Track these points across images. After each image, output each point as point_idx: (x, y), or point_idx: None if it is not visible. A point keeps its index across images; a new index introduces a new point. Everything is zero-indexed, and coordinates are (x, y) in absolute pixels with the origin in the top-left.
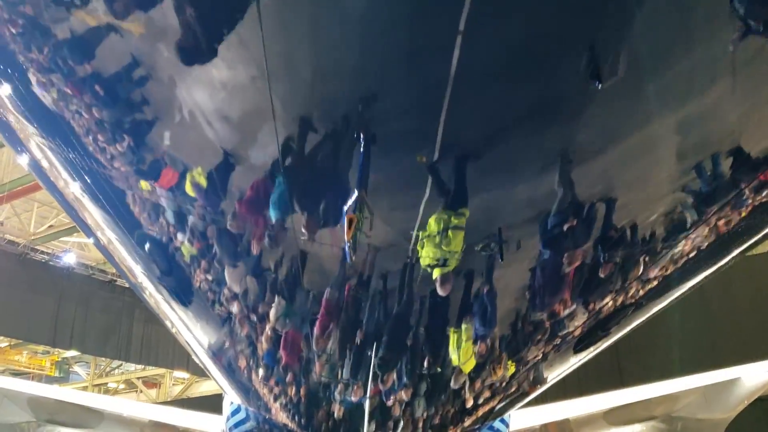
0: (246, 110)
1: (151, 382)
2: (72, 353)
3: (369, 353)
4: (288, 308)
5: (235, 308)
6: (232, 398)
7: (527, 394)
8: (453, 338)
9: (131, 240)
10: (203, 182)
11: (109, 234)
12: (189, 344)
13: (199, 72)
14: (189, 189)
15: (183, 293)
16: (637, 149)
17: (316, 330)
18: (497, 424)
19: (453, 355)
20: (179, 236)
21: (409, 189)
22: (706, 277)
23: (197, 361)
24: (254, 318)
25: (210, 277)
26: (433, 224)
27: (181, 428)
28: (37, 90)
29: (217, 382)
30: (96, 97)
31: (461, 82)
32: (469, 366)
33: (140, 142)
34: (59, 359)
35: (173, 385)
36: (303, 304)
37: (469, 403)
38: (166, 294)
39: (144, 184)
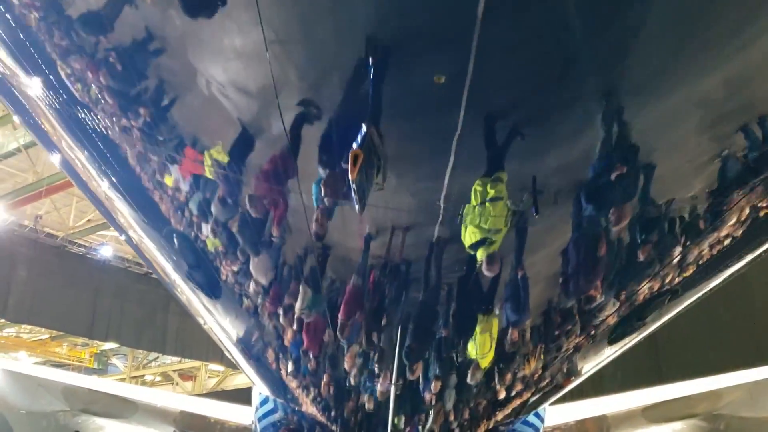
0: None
1: (186, 375)
2: (110, 345)
3: (395, 342)
4: (311, 296)
5: (258, 298)
6: (260, 389)
7: (561, 387)
8: (482, 326)
9: (158, 235)
10: (222, 170)
11: (138, 230)
12: (218, 336)
13: (228, 66)
14: (208, 177)
15: (209, 285)
16: (678, 117)
17: (340, 317)
18: (531, 418)
19: (483, 345)
20: (203, 229)
21: (432, 152)
22: (748, 264)
23: (227, 352)
24: (277, 308)
25: (234, 268)
26: (472, 198)
27: (212, 419)
28: (66, 90)
29: (246, 374)
30: (124, 95)
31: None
32: (499, 357)
33: (163, 133)
34: (98, 351)
35: (208, 377)
36: (326, 291)
37: (501, 395)
38: (194, 287)
39: (167, 179)
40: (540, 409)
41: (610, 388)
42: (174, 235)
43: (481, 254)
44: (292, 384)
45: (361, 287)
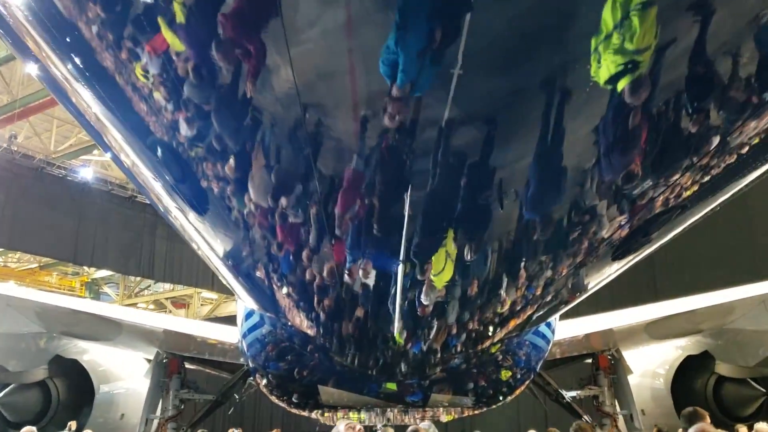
0: None
1: (179, 302)
2: (101, 274)
3: (396, 239)
4: (299, 191)
5: (238, 197)
6: (246, 303)
7: (567, 301)
8: (488, 233)
9: (143, 148)
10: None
11: (123, 146)
12: (203, 250)
13: None
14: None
15: (192, 193)
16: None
17: (336, 210)
18: (542, 328)
19: (489, 251)
20: (182, 130)
21: None
22: (756, 179)
23: (209, 264)
24: (261, 207)
25: (216, 170)
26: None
27: (199, 338)
28: None
29: (230, 287)
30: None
31: None
32: (507, 266)
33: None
34: (89, 280)
35: (201, 305)
36: (316, 183)
37: (509, 307)
38: (179, 199)
39: (151, 88)
40: (552, 320)
41: (606, 309)
42: (158, 146)
43: (623, 83)
44: (278, 294)
45: (360, 174)
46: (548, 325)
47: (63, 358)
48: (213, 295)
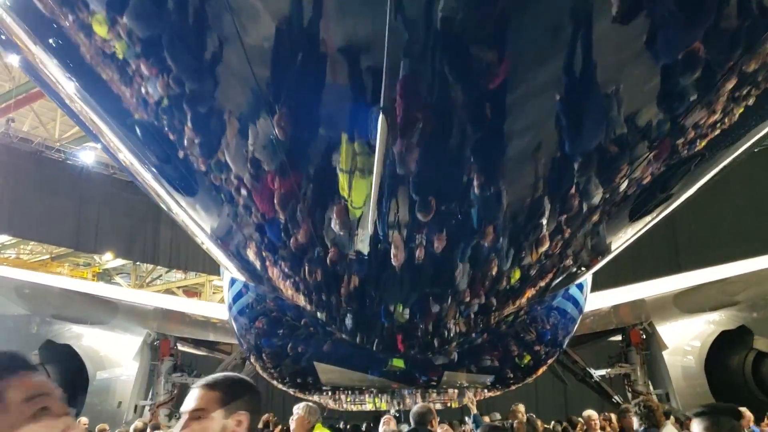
0: None
1: (192, 291)
2: (113, 264)
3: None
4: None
5: (214, 151)
6: (232, 273)
7: (588, 265)
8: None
9: (113, 115)
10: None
11: (103, 123)
12: (186, 224)
13: None
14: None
15: (167, 161)
16: None
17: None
18: (570, 299)
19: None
20: (155, 98)
21: None
22: None
23: (191, 233)
24: (243, 157)
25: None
26: None
27: (190, 315)
28: None
29: (215, 257)
30: None
31: None
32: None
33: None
34: (100, 270)
35: (213, 293)
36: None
37: (522, 270)
38: (157, 174)
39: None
40: (582, 293)
41: (626, 281)
42: (130, 115)
43: None
44: (267, 260)
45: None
46: (576, 300)
47: (55, 343)
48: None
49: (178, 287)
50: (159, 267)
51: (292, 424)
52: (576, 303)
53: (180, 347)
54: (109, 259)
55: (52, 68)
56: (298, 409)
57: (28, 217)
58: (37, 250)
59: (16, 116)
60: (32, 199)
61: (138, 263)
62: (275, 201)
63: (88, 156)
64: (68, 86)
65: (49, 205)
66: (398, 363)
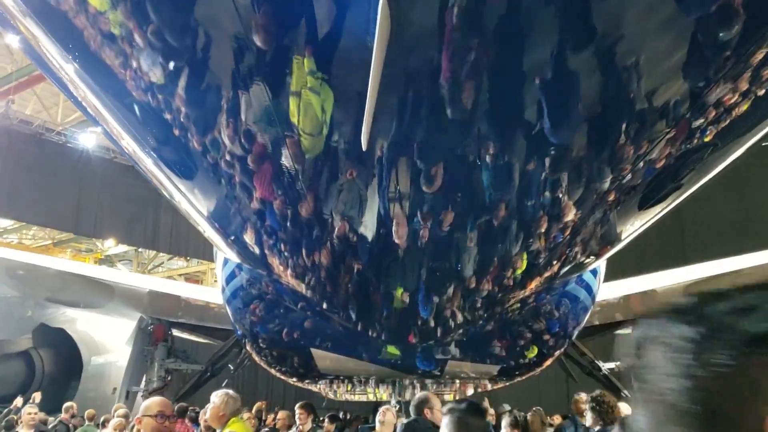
0: None
1: (193, 278)
2: (115, 250)
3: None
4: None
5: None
6: (227, 254)
7: (597, 254)
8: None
9: (118, 105)
10: None
11: (100, 101)
12: (173, 190)
13: None
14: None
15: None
16: None
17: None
18: (582, 290)
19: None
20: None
21: None
22: None
23: (189, 216)
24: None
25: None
26: None
27: (185, 298)
28: None
29: (211, 239)
30: None
31: None
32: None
33: None
34: (102, 257)
35: (215, 281)
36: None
37: (528, 256)
38: (154, 155)
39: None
40: (594, 281)
41: (631, 273)
42: (125, 94)
43: None
44: (264, 240)
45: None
46: (589, 287)
47: (48, 327)
48: None
49: (180, 275)
50: (161, 254)
51: (207, 414)
52: (589, 290)
53: (175, 333)
54: (110, 246)
55: (53, 50)
56: (214, 397)
57: (26, 200)
58: (39, 235)
59: (19, 100)
60: (31, 182)
61: (140, 250)
62: (270, 174)
63: (89, 139)
64: (68, 68)
65: (48, 189)
66: (392, 350)
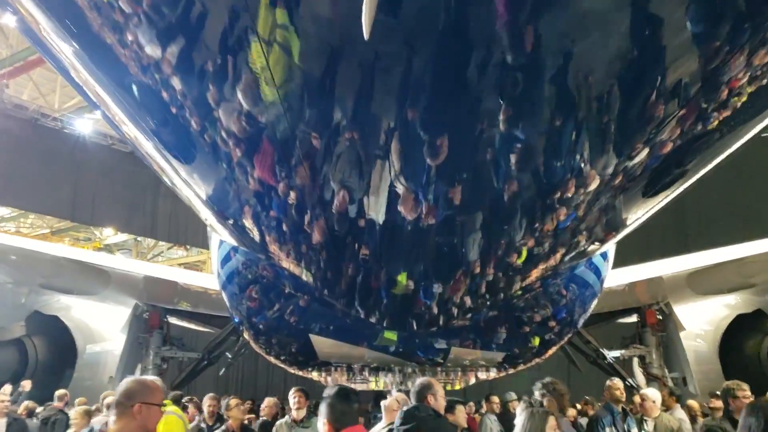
0: None
1: (193, 267)
2: (114, 239)
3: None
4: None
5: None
6: (222, 236)
7: (602, 239)
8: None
9: (118, 85)
10: None
11: (96, 79)
12: (170, 178)
13: None
14: None
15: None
16: None
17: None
18: (590, 275)
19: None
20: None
21: None
22: None
23: (180, 191)
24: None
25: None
26: None
27: (181, 284)
28: None
29: (205, 219)
30: None
31: None
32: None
33: None
34: (101, 246)
35: None
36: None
37: (532, 239)
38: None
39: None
40: (603, 267)
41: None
42: (120, 72)
43: None
44: (260, 219)
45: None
46: (598, 271)
47: (42, 314)
48: None
49: (180, 264)
50: (160, 244)
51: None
52: (598, 274)
53: (171, 320)
54: (109, 235)
55: (52, 31)
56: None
57: (22, 187)
58: (37, 224)
59: (15, 86)
60: (27, 169)
61: (139, 239)
62: (267, 148)
63: (85, 125)
64: (67, 49)
65: (44, 175)
66: (394, 337)
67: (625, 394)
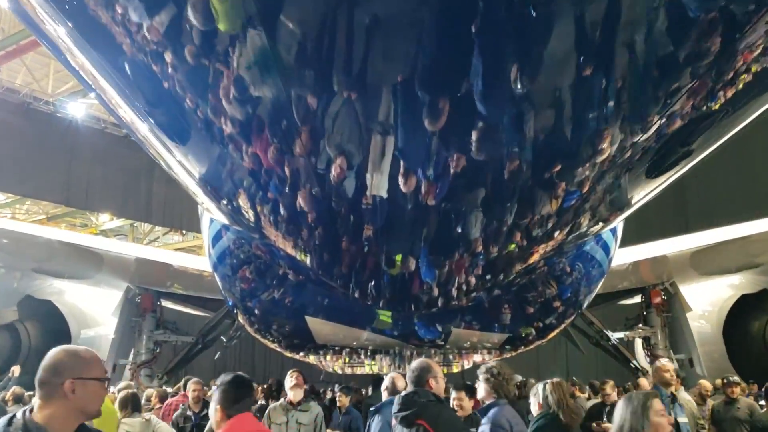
0: None
1: (189, 252)
2: (110, 225)
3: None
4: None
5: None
6: (213, 215)
7: (606, 219)
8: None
9: (112, 65)
10: None
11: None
12: (165, 159)
13: None
14: None
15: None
16: None
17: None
18: (597, 255)
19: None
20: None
21: None
22: None
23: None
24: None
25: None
26: None
27: (175, 266)
28: None
29: (194, 195)
30: None
31: None
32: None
33: None
34: (97, 232)
35: None
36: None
37: (533, 218)
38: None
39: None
40: (609, 245)
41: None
42: (127, 64)
43: None
44: (253, 196)
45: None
46: (607, 247)
47: (35, 299)
48: None
49: (176, 249)
50: (156, 229)
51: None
52: (607, 251)
53: (164, 304)
54: (105, 221)
55: (46, 12)
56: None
57: (14, 172)
58: (33, 210)
59: (7, 71)
60: (19, 153)
61: (135, 224)
62: (261, 124)
63: (78, 109)
64: (61, 30)
65: (37, 160)
66: (389, 317)
67: (674, 376)
